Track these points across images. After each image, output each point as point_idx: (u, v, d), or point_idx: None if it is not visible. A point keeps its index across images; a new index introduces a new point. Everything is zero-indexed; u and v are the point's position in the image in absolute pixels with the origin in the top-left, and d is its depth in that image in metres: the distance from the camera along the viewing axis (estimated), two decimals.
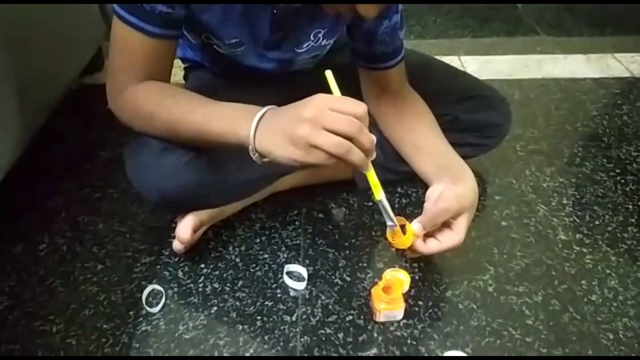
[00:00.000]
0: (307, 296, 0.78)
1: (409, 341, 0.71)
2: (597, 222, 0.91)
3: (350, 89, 0.63)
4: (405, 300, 0.74)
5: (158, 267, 0.82)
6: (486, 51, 1.51)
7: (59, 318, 0.74)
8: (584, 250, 0.86)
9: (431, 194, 0.73)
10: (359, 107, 0.58)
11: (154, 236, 0.88)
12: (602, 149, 1.10)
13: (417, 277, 0.80)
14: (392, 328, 0.73)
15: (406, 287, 0.76)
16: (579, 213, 0.93)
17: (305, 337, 0.72)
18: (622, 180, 1.01)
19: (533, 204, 0.95)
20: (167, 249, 0.85)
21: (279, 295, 0.78)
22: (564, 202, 0.96)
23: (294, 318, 0.74)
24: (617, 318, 0.74)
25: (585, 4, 1.78)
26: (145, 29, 0.67)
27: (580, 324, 0.74)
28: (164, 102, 0.69)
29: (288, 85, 0.77)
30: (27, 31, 0.90)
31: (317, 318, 0.74)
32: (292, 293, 0.78)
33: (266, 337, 0.72)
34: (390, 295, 0.72)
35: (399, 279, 0.76)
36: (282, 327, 0.73)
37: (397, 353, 0.70)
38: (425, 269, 0.81)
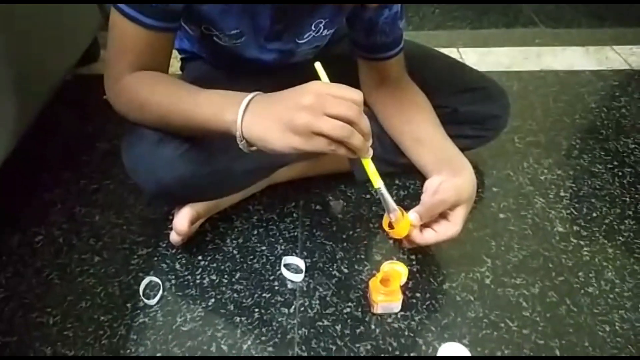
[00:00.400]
0: (304, 288, 0.78)
1: (406, 333, 0.71)
2: (594, 215, 0.91)
3: (349, 79, 0.63)
4: (403, 292, 0.74)
5: (155, 259, 0.82)
6: (485, 43, 1.51)
7: (56, 310, 0.74)
8: (581, 242, 0.86)
9: (429, 186, 0.73)
10: (355, 93, 0.59)
11: (151, 228, 0.87)
12: (599, 141, 1.10)
13: (414, 269, 0.80)
14: (389, 320, 0.73)
15: (404, 279, 0.76)
16: (576, 205, 0.93)
17: (303, 329, 0.72)
18: (620, 173, 1.01)
19: (530, 196, 0.95)
20: (164, 241, 0.84)
21: (276, 287, 0.78)
22: (562, 194, 0.96)
23: (291, 310, 0.74)
24: (613, 310, 0.75)
25: None
26: (142, 21, 0.66)
27: (577, 315, 0.74)
28: (156, 91, 0.69)
29: (287, 77, 0.77)
30: (22, 21, 0.89)
31: (315, 310, 0.74)
32: (289, 285, 0.78)
33: (264, 329, 0.72)
34: (388, 287, 0.72)
35: (396, 271, 0.76)
36: (279, 319, 0.73)
37: (395, 345, 0.70)
38: (422, 261, 0.81)
